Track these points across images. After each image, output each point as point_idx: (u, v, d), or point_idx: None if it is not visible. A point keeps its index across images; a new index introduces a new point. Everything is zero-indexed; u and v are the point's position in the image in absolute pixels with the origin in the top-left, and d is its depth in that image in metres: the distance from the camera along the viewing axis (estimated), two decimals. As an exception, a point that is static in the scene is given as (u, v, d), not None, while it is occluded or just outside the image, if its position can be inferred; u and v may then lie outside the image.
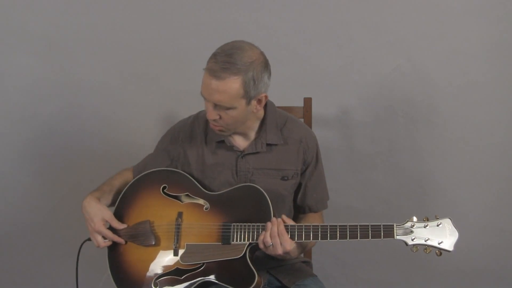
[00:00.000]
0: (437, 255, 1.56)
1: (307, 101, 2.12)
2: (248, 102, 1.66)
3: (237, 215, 1.68)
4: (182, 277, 1.68)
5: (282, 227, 1.60)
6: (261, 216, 1.65)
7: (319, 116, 2.30)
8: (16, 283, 2.60)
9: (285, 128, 1.81)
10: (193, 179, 1.77)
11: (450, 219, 1.57)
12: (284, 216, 1.64)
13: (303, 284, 1.78)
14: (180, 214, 1.73)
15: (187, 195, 1.75)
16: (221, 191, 1.75)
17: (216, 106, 1.64)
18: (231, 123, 1.69)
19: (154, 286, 1.69)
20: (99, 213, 1.72)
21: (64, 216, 2.52)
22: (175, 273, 1.69)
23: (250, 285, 1.61)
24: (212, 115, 1.66)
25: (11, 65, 2.43)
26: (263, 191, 1.67)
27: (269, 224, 1.62)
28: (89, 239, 1.76)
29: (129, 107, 2.45)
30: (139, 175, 1.82)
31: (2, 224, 2.54)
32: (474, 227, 2.39)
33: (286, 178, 1.79)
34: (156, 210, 1.75)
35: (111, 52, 2.41)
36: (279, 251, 1.60)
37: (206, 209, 1.72)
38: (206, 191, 1.75)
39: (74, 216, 2.48)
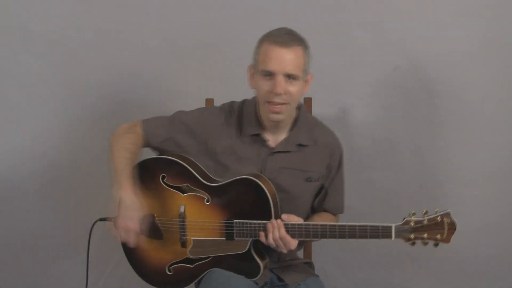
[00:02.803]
0: (434, 246, 1.57)
1: (307, 101, 2.12)
2: (304, 79, 1.68)
3: (238, 211, 1.69)
4: (193, 265, 1.74)
5: (282, 230, 1.62)
6: (261, 212, 1.66)
7: (319, 116, 2.29)
8: (16, 283, 2.60)
9: (315, 131, 1.83)
10: (190, 169, 1.74)
11: (450, 212, 1.56)
12: (284, 215, 1.65)
13: (305, 283, 1.80)
14: (182, 208, 1.74)
15: (187, 185, 1.75)
16: (220, 182, 1.72)
17: (288, 77, 1.64)
18: (293, 100, 1.69)
19: (168, 272, 1.77)
20: (137, 214, 1.67)
21: (64, 216, 2.52)
22: (186, 261, 1.75)
23: (257, 275, 1.68)
24: (282, 87, 1.63)
25: (11, 65, 2.43)
26: (264, 187, 1.65)
27: (269, 225, 1.63)
28: (100, 220, 1.80)
29: (129, 107, 2.45)
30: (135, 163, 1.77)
31: (1, 224, 2.54)
32: (474, 226, 2.39)
33: (310, 179, 1.80)
34: (159, 202, 1.76)
35: (111, 52, 2.41)
36: (285, 251, 1.66)
37: (207, 201, 1.72)
38: (205, 182, 1.73)
39: (74, 216, 2.50)
